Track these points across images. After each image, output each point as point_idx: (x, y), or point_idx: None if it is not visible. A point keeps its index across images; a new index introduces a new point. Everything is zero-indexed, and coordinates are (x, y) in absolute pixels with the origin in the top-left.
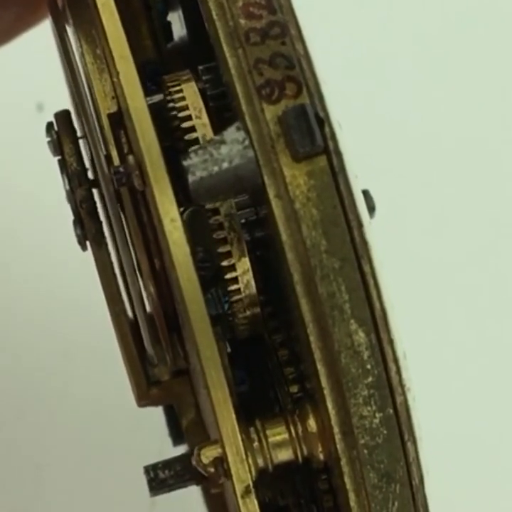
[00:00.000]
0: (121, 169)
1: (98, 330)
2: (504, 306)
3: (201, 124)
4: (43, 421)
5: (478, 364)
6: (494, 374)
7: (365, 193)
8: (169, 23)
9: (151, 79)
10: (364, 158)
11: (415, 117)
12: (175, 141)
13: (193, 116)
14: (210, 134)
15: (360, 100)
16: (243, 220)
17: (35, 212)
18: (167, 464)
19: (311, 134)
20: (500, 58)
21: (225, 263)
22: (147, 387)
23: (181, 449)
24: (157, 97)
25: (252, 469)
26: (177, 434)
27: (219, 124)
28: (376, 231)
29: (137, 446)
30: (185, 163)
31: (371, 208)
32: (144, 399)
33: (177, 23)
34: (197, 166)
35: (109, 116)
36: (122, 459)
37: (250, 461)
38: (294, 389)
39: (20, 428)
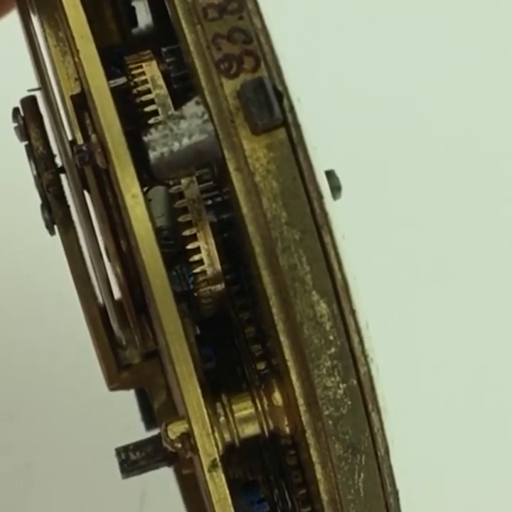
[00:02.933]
0: (84, 148)
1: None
2: (468, 284)
3: (161, 100)
4: (33, 421)
5: (446, 341)
6: (458, 348)
7: (331, 173)
8: (133, 8)
9: (116, 63)
10: (335, 140)
11: (396, 108)
12: (140, 125)
13: (152, 89)
14: (170, 106)
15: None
16: (210, 202)
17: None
18: (138, 446)
19: (269, 106)
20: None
21: (186, 232)
22: (117, 370)
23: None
24: (121, 80)
25: (219, 443)
26: (149, 419)
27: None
28: (344, 210)
29: None
30: (145, 138)
31: (337, 188)
32: (114, 382)
33: (143, 11)
34: (157, 142)
35: (73, 97)
36: (112, 459)
37: (217, 435)
38: (261, 366)
39: (10, 428)
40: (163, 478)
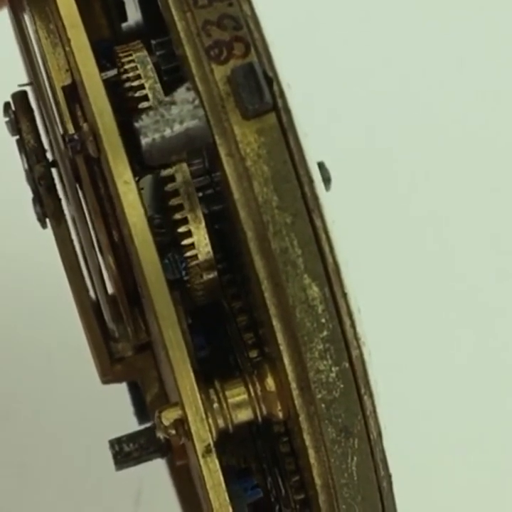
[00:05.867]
0: (75, 137)
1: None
2: (458, 270)
3: (152, 85)
4: (26, 421)
5: (437, 327)
6: (450, 334)
7: (321, 165)
8: (122, 2)
9: (106, 56)
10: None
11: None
12: (131, 116)
13: (143, 76)
14: (160, 92)
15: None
16: (200, 194)
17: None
18: (131, 437)
19: (259, 91)
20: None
21: (178, 216)
22: (110, 363)
23: None
24: (111, 73)
25: (213, 429)
26: (142, 414)
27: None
28: (334, 201)
29: None
30: (136, 124)
31: (327, 179)
32: (107, 374)
33: (132, 8)
34: (148, 128)
35: (64, 88)
36: (107, 458)
37: (210, 421)
38: (254, 354)
39: (3, 429)
40: (159, 478)
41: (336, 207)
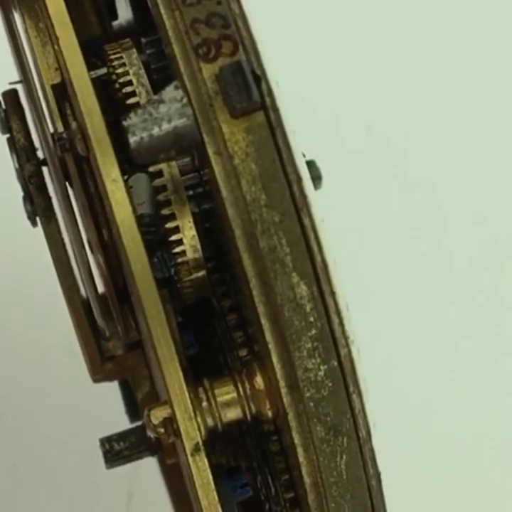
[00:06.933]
0: (64, 135)
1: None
2: (445, 268)
3: (136, 71)
4: (20, 422)
5: (425, 324)
6: (439, 331)
7: (311, 163)
8: (113, 0)
9: (96, 55)
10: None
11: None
12: (120, 115)
13: (131, 75)
14: (149, 91)
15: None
16: (191, 193)
17: None
18: (122, 436)
19: (247, 89)
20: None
21: (169, 225)
22: (101, 361)
23: None
24: (101, 71)
25: (201, 428)
26: (133, 411)
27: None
28: (325, 199)
29: None
30: (125, 123)
31: (317, 178)
32: (97, 373)
33: (123, 5)
34: (137, 126)
35: (53, 87)
36: (98, 459)
37: (199, 419)
38: (243, 352)
39: None
40: (150, 479)
41: (331, 205)
